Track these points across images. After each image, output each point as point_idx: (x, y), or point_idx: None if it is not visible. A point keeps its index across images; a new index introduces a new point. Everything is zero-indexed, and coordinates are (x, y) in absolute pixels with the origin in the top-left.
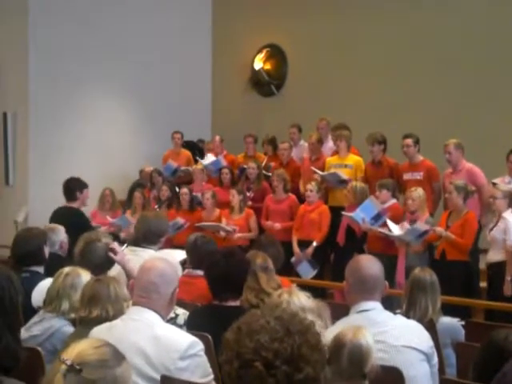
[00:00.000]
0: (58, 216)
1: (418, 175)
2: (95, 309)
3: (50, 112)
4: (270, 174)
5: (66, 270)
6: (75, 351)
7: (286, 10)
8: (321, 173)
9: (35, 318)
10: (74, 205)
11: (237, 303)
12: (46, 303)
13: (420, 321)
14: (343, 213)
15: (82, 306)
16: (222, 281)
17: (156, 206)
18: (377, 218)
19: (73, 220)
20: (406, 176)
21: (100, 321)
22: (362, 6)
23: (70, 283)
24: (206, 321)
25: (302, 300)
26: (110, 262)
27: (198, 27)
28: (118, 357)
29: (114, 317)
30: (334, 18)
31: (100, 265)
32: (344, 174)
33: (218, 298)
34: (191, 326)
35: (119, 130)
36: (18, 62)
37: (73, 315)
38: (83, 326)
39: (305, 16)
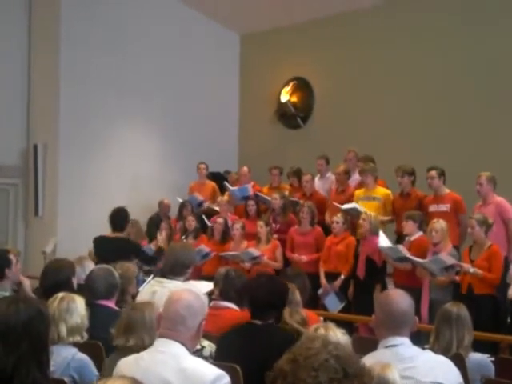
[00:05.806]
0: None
1: (444, 207)
2: (132, 337)
3: (79, 144)
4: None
5: (61, 294)
6: None
7: (312, 44)
8: (341, 206)
9: None
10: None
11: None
12: None
13: (443, 354)
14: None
15: (119, 333)
16: None
17: (183, 237)
18: (401, 259)
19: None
20: (432, 208)
21: (136, 350)
22: (388, 40)
23: (65, 307)
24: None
25: (338, 336)
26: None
27: (226, 60)
28: None
29: (150, 345)
30: (360, 51)
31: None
32: (370, 207)
33: None
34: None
35: (146, 161)
36: (48, 96)
37: (71, 339)
38: (119, 353)
39: (331, 49)
